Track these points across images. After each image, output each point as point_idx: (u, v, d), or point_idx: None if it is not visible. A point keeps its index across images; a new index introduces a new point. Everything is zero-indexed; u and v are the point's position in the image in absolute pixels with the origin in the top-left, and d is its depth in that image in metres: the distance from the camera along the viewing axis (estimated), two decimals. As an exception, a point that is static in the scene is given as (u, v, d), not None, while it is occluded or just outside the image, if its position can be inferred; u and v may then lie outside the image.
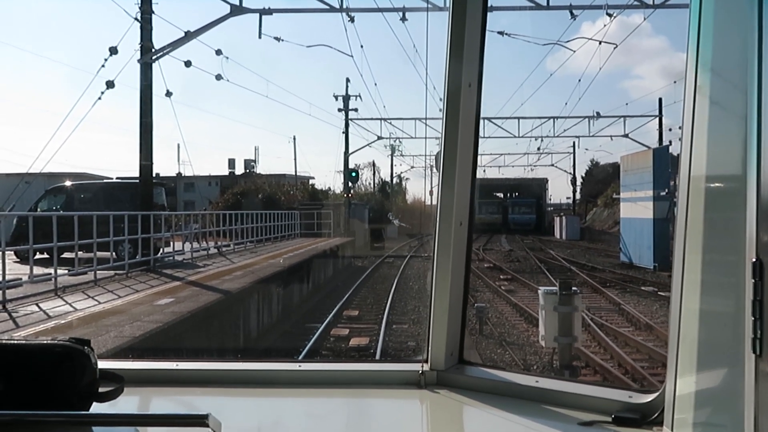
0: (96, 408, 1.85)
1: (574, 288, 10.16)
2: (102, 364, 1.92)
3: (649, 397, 1.96)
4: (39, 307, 12.66)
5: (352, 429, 2.15)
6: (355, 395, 2.35)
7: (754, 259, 1.41)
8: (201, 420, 1.62)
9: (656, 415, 1.91)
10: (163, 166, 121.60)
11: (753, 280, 1.41)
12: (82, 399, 1.84)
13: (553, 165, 69.71)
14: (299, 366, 2.43)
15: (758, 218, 1.41)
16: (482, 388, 2.27)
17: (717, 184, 1.73)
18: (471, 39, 2.27)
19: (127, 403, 1.98)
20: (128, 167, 31.44)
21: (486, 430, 2.12)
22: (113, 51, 19.57)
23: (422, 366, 2.37)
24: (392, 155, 64.15)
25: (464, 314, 2.46)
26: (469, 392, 2.27)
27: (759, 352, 1.40)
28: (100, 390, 1.88)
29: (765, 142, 1.42)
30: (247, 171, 62.52)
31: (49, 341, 1.87)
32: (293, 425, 2.16)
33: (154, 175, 22.96)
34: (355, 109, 48.11)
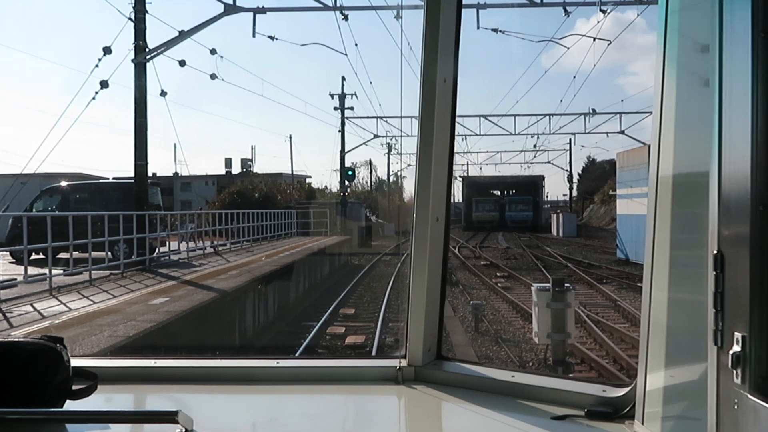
0: (69, 405, 1.86)
1: (567, 284, 10.15)
2: (76, 362, 1.93)
3: (622, 391, 1.97)
4: (33, 307, 12.65)
5: (329, 425, 2.15)
6: (333, 391, 2.35)
7: (715, 252, 1.41)
8: (171, 417, 1.63)
9: (628, 408, 1.92)
10: (160, 165, 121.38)
11: (714, 273, 1.41)
12: (55, 396, 1.85)
13: (549, 162, 69.86)
14: (276, 363, 2.43)
15: (719, 211, 1.41)
16: (459, 384, 2.28)
17: (683, 180, 1.74)
18: (445, 34, 2.26)
19: (101, 400, 1.98)
20: (124, 167, 31.49)
21: (461, 424, 2.13)
22: (107, 51, 19.49)
23: (400, 362, 2.37)
24: (389, 153, 64.15)
25: (441, 310, 2.47)
26: (446, 387, 2.27)
27: (720, 344, 1.40)
28: (74, 387, 1.88)
29: (726, 136, 1.42)
30: (244, 170, 62.49)
31: (20, 339, 1.87)
32: (268, 422, 2.16)
33: (150, 175, 22.95)
34: (351, 108, 48.10)
